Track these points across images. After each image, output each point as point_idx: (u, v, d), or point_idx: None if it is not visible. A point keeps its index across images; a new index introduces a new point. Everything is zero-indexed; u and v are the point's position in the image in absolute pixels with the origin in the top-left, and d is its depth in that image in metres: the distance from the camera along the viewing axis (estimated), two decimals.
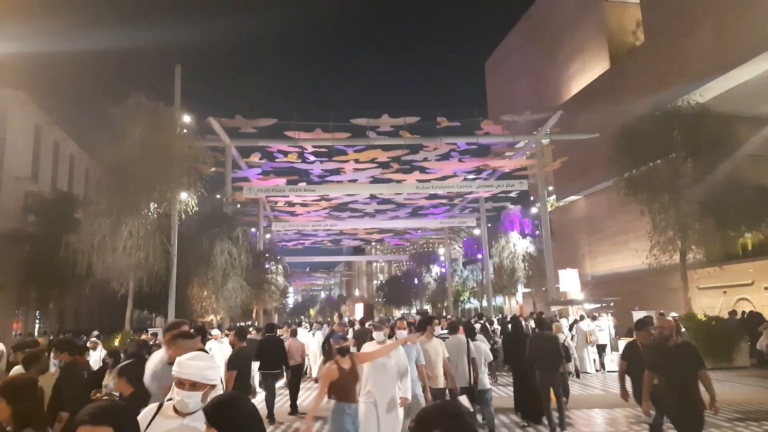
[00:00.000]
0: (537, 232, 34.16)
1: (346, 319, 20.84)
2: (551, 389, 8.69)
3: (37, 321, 22.81)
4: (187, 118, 19.13)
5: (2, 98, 22.44)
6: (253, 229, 36.44)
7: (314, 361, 15.90)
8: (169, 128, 17.80)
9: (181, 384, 2.67)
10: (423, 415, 1.59)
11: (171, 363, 4.48)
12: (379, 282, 79.05)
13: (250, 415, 2.00)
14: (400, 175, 33.27)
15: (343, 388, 5.30)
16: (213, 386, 2.76)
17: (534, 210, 35.09)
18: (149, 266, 16.40)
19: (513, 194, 37.87)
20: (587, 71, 39.87)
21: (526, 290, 35.93)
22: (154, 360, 4.12)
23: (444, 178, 34.12)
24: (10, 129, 23.15)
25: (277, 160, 30.94)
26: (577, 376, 15.66)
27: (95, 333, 16.33)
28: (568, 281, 29.08)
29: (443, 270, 51.37)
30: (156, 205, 17.16)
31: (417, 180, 33.51)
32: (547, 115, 30.40)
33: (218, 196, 27.67)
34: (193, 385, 2.67)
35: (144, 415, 2.72)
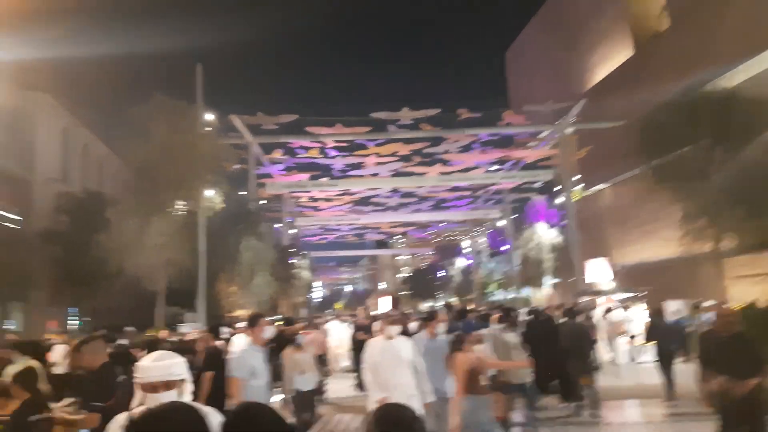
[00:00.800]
0: (563, 222, 33.71)
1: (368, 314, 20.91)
2: (582, 373, 9.06)
3: (75, 318, 23.50)
4: (209, 116, 19.38)
5: (31, 102, 23.05)
6: (278, 225, 36.81)
7: (339, 353, 16.02)
8: (192, 127, 18.07)
9: (154, 388, 2.64)
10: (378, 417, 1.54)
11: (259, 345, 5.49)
12: (403, 275, 79.10)
13: (276, 423, 1.83)
14: (422, 168, 33.17)
15: (475, 380, 5.24)
16: (183, 380, 2.76)
17: (560, 200, 34.62)
18: (178, 263, 16.71)
19: (537, 185, 37.41)
20: (610, 58, 38.99)
21: (555, 281, 35.53)
22: (239, 345, 4.36)
23: (466, 170, 33.89)
24: (39, 132, 23.80)
25: (299, 155, 31.17)
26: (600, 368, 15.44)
27: (128, 329, 16.73)
28: (597, 271, 28.63)
29: (469, 262, 51.15)
30: (183, 203, 17.46)
31: (439, 173, 33.36)
32: (571, 104, 29.89)
33: (242, 193, 28.02)
34: (167, 385, 2.67)
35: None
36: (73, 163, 26.52)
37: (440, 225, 52.31)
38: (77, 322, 23.27)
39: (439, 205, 42.99)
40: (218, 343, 7.83)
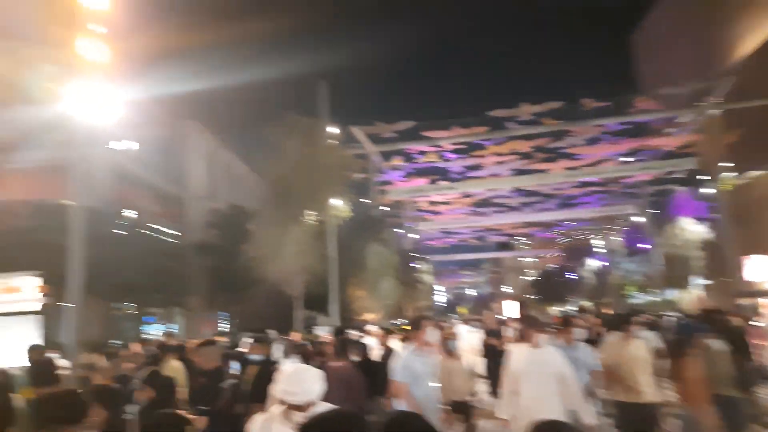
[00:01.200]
0: (713, 215, 30.17)
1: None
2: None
3: (226, 322, 25.97)
4: (333, 130, 20.37)
5: (182, 129, 26.04)
6: (400, 230, 37.50)
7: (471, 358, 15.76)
8: (320, 141, 19.10)
9: (300, 408, 2.66)
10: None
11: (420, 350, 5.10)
12: (528, 278, 76.23)
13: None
14: (546, 165, 31.75)
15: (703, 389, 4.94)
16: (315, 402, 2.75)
17: (707, 191, 31.05)
18: (312, 270, 17.73)
19: (679, 175, 33.91)
20: (760, 27, 34.18)
21: (705, 281, 31.90)
22: (402, 352, 4.32)
23: (595, 164, 31.79)
24: (190, 155, 26.77)
25: (417, 161, 31.53)
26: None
27: (270, 332, 18.05)
28: (758, 269, 25.19)
29: (602, 263, 47.86)
30: (314, 214, 18.52)
31: (564, 168, 31.70)
32: (713, 83, 26.73)
33: (365, 201, 29.01)
34: (299, 408, 2.68)
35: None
36: (217, 182, 29.43)
37: (568, 224, 49.58)
38: (228, 325, 25.68)
39: (566, 203, 40.80)
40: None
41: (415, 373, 5.03)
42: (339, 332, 8.54)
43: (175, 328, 23.19)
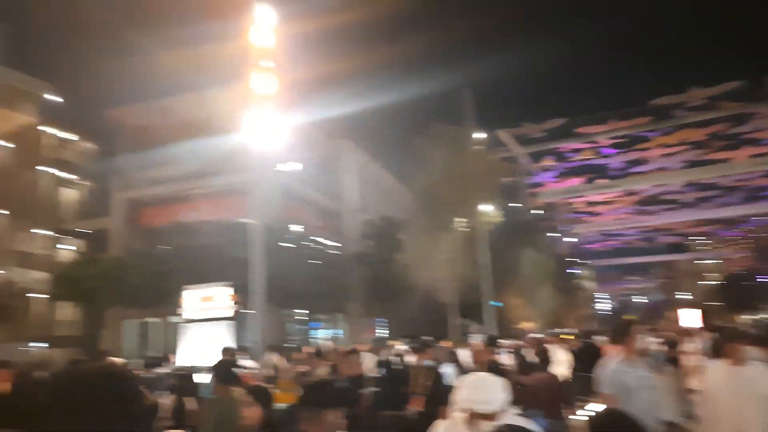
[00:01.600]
0: None
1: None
2: None
3: (385, 328, 27.11)
4: (480, 135, 20.22)
5: (337, 148, 27.92)
6: (556, 234, 35.73)
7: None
8: (466, 148, 19.11)
9: (486, 417, 2.58)
10: None
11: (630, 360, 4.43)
12: (710, 283, 67.29)
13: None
14: (725, 154, 27.86)
15: None
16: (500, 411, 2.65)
17: None
18: (464, 277, 17.72)
19: None
20: None
21: None
22: (609, 362, 4.06)
23: None
24: (344, 171, 28.57)
25: (570, 159, 29.88)
26: None
27: (426, 338, 18.39)
28: None
29: None
30: (464, 221, 18.54)
31: (749, 156, 27.50)
32: None
33: (515, 205, 28.20)
34: (483, 416, 2.59)
35: None
36: (369, 195, 30.96)
37: (757, 219, 42.78)
38: (387, 331, 26.74)
39: (753, 196, 35.29)
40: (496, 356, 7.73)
41: (626, 386, 4.45)
42: (492, 341, 8.35)
43: (340, 333, 24.80)
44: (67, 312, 27.30)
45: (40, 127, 26.14)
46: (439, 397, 5.39)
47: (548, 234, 32.29)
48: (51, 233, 29.31)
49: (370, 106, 24.38)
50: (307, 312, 22.67)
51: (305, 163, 23.93)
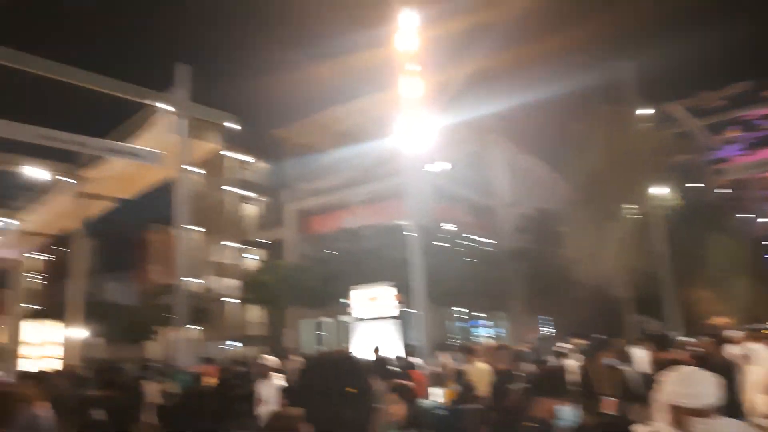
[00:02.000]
0: None
1: None
2: None
3: (550, 326, 25.93)
4: (646, 111, 18.28)
5: (485, 142, 27.43)
6: (746, 215, 30.83)
7: None
8: (630, 127, 17.46)
9: (698, 413, 2.39)
10: None
11: None
12: None
13: None
14: None
15: None
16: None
17: None
18: (639, 268, 16.15)
19: None
20: None
21: None
22: None
23: None
24: (494, 166, 27.95)
25: (761, 128, 25.54)
26: None
27: (601, 338, 17.11)
28: None
29: None
30: (634, 207, 16.92)
31: None
32: None
33: (695, 185, 24.92)
34: (699, 412, 2.41)
35: None
36: (521, 187, 29.86)
37: None
38: (553, 329, 25.51)
39: None
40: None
41: None
42: (661, 340, 7.21)
43: (502, 332, 24.29)
44: (255, 314, 30.95)
45: (222, 152, 30.08)
46: (631, 397, 5.21)
47: (739, 215, 27.99)
48: (237, 245, 33.56)
49: (521, 101, 23.41)
50: (467, 311, 22.57)
51: (454, 161, 23.94)
